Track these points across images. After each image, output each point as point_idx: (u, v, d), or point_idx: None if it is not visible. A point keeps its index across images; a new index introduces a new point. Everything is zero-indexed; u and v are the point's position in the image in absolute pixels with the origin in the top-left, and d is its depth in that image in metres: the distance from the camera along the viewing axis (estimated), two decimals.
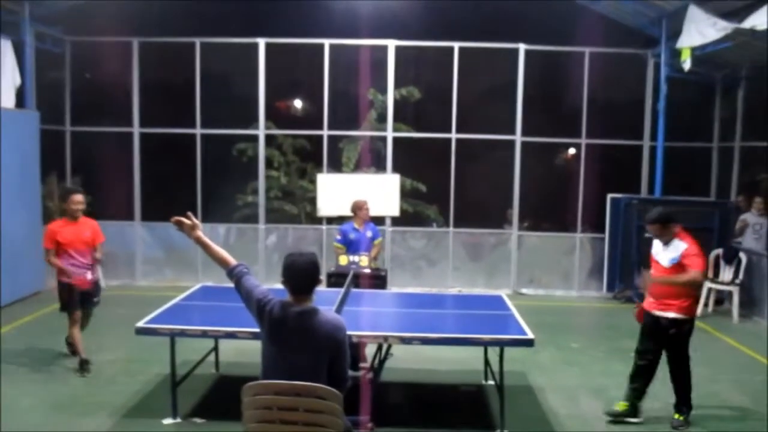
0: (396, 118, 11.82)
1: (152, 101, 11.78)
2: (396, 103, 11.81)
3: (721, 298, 10.31)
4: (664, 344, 5.76)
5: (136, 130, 11.61)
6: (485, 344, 6.05)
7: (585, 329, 9.54)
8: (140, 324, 5.51)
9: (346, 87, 12.44)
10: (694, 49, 9.53)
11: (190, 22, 11.49)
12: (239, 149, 12.68)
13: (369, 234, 8.60)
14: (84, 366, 6.77)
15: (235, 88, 12.76)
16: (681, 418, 5.76)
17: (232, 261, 3.97)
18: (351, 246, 8.44)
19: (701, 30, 9.11)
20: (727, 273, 10.04)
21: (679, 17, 9.77)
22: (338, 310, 4.69)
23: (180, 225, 4.02)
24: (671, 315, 5.62)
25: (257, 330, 3.84)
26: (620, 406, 5.88)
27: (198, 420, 5.68)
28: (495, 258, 11.81)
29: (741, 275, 9.81)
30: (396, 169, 11.57)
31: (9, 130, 9.60)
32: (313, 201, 12.16)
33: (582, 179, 11.64)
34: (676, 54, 10.04)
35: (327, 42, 11.28)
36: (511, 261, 11.69)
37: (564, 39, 11.42)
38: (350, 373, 3.84)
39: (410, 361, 6.94)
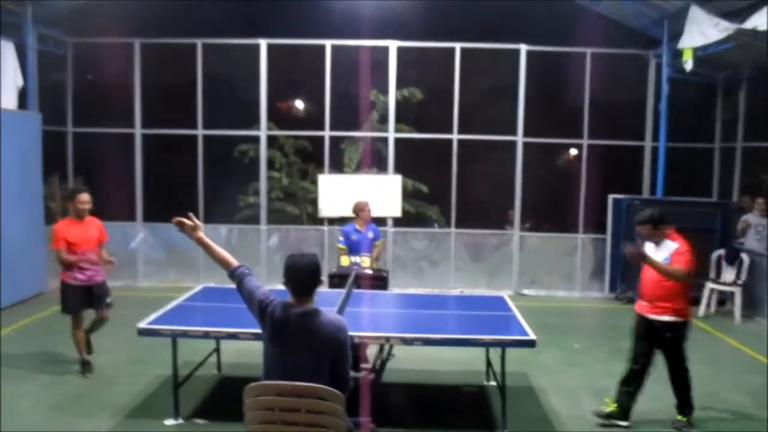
0: (397, 119, 11.83)
1: (154, 102, 11.80)
2: (397, 103, 11.82)
3: (723, 299, 10.30)
4: (658, 347, 5.72)
5: (138, 131, 11.63)
6: (487, 345, 6.04)
7: (587, 330, 9.53)
8: (142, 325, 5.52)
9: (348, 88, 12.44)
10: (695, 50, 9.52)
11: (191, 23, 11.51)
12: (241, 150, 12.70)
13: (370, 235, 8.60)
14: (86, 367, 6.77)
15: (236, 89, 12.78)
16: (684, 419, 5.75)
17: (234, 262, 3.97)
18: (353, 247, 8.45)
19: (703, 30, 9.10)
20: (729, 274, 10.03)
21: (680, 18, 9.77)
22: (340, 311, 4.69)
23: (181, 226, 4.02)
24: (666, 318, 5.58)
25: (259, 331, 3.84)
26: (609, 406, 5.84)
27: (200, 421, 5.68)
28: (497, 259, 11.81)
29: (743, 276, 9.80)
30: (398, 169, 11.57)
31: (11, 131, 9.62)
32: (314, 202, 12.16)
33: (583, 180, 11.64)
34: (677, 54, 10.03)
35: (328, 43, 11.29)
36: (512, 262, 11.68)
37: (565, 40, 11.42)
38: (352, 374, 3.84)
39: (412, 362, 6.93)
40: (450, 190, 11.59)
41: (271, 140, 12.42)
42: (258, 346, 3.88)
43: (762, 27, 7.74)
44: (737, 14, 8.69)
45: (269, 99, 11.63)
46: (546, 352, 7.67)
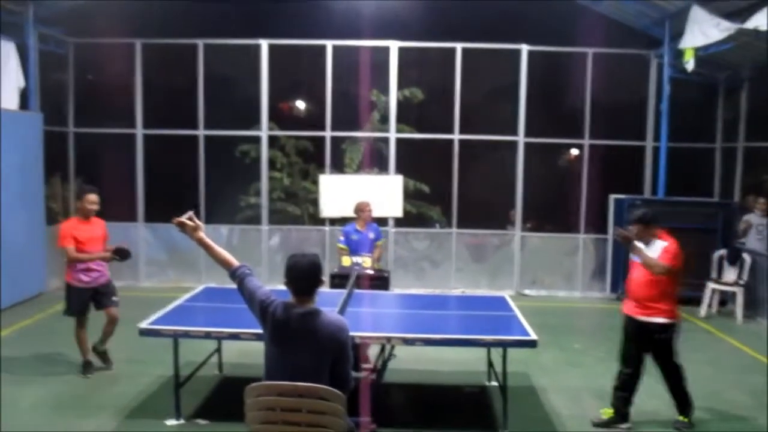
0: (399, 119, 11.84)
1: (155, 103, 11.80)
2: (398, 104, 11.82)
3: (725, 299, 10.30)
4: (648, 350, 5.70)
5: (139, 131, 11.63)
6: (488, 345, 6.04)
7: (588, 330, 9.52)
8: (143, 325, 5.52)
9: (349, 88, 12.44)
10: (697, 50, 9.52)
11: (192, 23, 11.51)
12: (242, 150, 12.70)
13: (371, 235, 8.61)
14: (87, 367, 6.77)
15: (237, 90, 12.78)
16: (686, 419, 5.74)
17: (235, 262, 3.98)
18: (353, 247, 8.46)
19: (704, 30, 9.10)
20: (730, 274, 10.02)
21: (682, 18, 9.76)
22: (341, 312, 4.69)
23: (182, 226, 4.02)
24: (656, 320, 5.56)
25: (260, 331, 3.84)
26: (606, 413, 5.83)
27: (201, 421, 5.68)
28: (498, 259, 11.81)
29: (745, 276, 9.80)
30: (399, 170, 11.57)
31: (12, 131, 9.62)
32: (315, 202, 12.16)
33: (585, 180, 11.63)
34: (679, 54, 10.03)
35: (329, 43, 11.29)
36: (514, 262, 11.68)
37: (567, 40, 11.42)
38: (353, 374, 3.84)
39: (413, 362, 6.93)
40: (451, 191, 11.59)
41: (273, 140, 12.42)
42: (259, 347, 3.89)
43: (763, 27, 7.74)
44: (738, 14, 8.69)
45: (270, 99, 11.63)
46: (547, 352, 7.66)
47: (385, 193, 11.09)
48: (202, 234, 4.02)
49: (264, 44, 11.35)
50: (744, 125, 11.42)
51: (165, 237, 11.46)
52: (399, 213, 11.42)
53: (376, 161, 12.66)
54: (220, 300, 6.67)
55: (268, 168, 11.95)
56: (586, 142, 11.66)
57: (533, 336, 5.41)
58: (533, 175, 11.72)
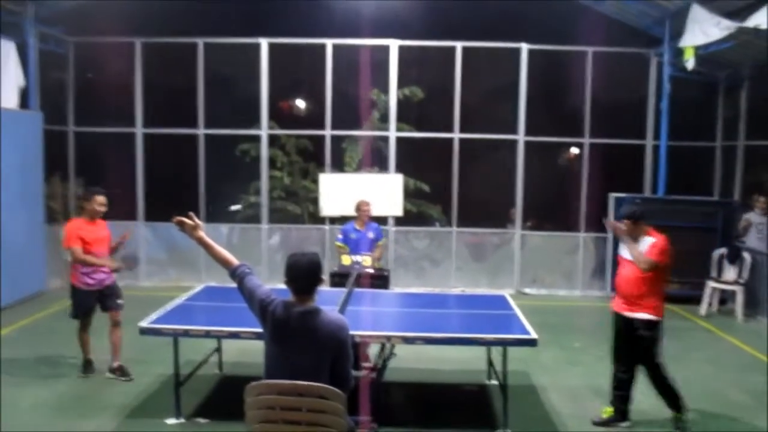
0: (399, 118, 11.83)
1: (155, 102, 11.80)
2: (399, 103, 11.82)
3: (725, 298, 10.30)
4: (632, 346, 5.71)
5: (139, 130, 11.63)
6: (488, 344, 6.03)
7: (588, 329, 9.51)
8: (144, 324, 5.52)
9: (349, 87, 12.43)
10: (697, 49, 9.52)
11: (192, 22, 11.51)
12: (242, 149, 12.70)
13: (371, 235, 8.61)
14: (87, 366, 6.77)
15: (237, 89, 12.78)
16: (680, 415, 5.73)
17: (235, 261, 3.97)
18: (352, 246, 8.47)
19: (704, 29, 9.10)
20: (730, 273, 10.02)
21: (682, 17, 9.76)
22: (341, 310, 4.69)
23: (182, 225, 4.01)
24: (644, 316, 5.57)
25: (260, 330, 3.84)
26: (606, 412, 5.84)
27: (201, 420, 5.69)
28: (498, 258, 11.81)
29: (745, 275, 9.80)
30: (399, 169, 11.57)
31: (12, 130, 9.62)
32: (315, 201, 12.15)
33: (585, 179, 11.63)
34: (679, 53, 10.03)
35: (329, 42, 11.29)
36: (514, 261, 11.68)
37: (567, 38, 11.42)
38: (353, 373, 3.84)
39: (413, 361, 6.92)
40: (451, 189, 11.59)
41: (273, 139, 12.42)
42: (259, 346, 3.89)
43: (763, 26, 7.74)
44: (738, 13, 8.69)
45: (270, 98, 11.63)
46: (547, 351, 7.66)
47: (385, 192, 11.08)
48: (201, 233, 4.01)
49: (264, 43, 11.34)
50: (744, 124, 11.41)
51: (165, 236, 11.46)
52: (399, 212, 11.41)
53: (376, 160, 12.65)
54: (220, 299, 6.67)
55: (268, 167, 11.95)
56: (587, 140, 11.66)
57: (533, 335, 5.41)
58: (533, 174, 11.72)
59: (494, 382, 6.56)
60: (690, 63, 9.67)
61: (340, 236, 8.74)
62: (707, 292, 10.02)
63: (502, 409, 5.59)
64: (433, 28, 11.62)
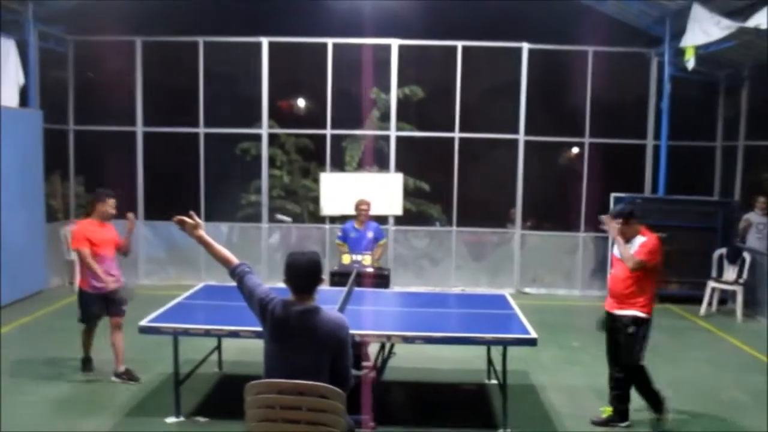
0: (399, 117, 11.83)
1: (155, 100, 11.80)
2: (399, 102, 11.83)
3: (725, 298, 10.30)
4: (616, 344, 5.71)
5: (140, 129, 11.63)
6: (488, 343, 6.03)
7: (587, 328, 9.41)
8: (143, 323, 5.52)
9: (349, 86, 12.43)
10: (697, 48, 9.51)
11: (193, 21, 11.51)
12: (242, 148, 12.70)
13: (370, 234, 8.60)
14: (87, 365, 6.76)
15: (238, 88, 12.77)
16: (660, 416, 5.71)
17: (234, 260, 3.97)
18: (351, 245, 8.48)
19: (705, 29, 9.09)
20: (730, 273, 10.02)
21: (682, 16, 9.75)
22: (341, 309, 4.69)
23: (182, 224, 4.01)
24: (629, 312, 5.58)
25: (260, 329, 3.84)
26: (605, 412, 5.83)
27: (201, 419, 5.69)
28: (498, 257, 11.81)
29: (745, 275, 9.79)
30: (399, 168, 11.57)
31: (12, 129, 9.62)
32: (316, 200, 12.17)
33: (585, 178, 11.63)
34: (679, 53, 10.02)
35: (330, 41, 11.28)
36: (513, 260, 11.68)
37: (567, 38, 11.41)
38: (353, 372, 3.84)
39: (413, 361, 6.93)
40: (451, 189, 11.59)
41: (273, 138, 12.42)
42: (259, 344, 3.89)
43: (764, 26, 7.72)
44: (739, 13, 8.68)
45: (271, 97, 11.63)
46: (546, 350, 7.66)
47: (385, 191, 11.10)
48: (201, 232, 4.00)
49: (264, 42, 11.34)
50: (744, 124, 11.40)
51: (165, 235, 11.45)
52: (399, 211, 11.42)
53: (376, 159, 12.65)
54: (219, 298, 6.67)
55: (268, 166, 11.95)
56: (587, 140, 11.66)
57: (533, 334, 5.42)
58: (533, 174, 11.72)
59: (494, 381, 6.56)
60: (690, 63, 9.66)
61: (339, 234, 8.76)
62: (707, 292, 10.02)
63: (501, 409, 5.59)
64: (434, 28, 11.62)
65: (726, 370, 7.43)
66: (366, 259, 8.09)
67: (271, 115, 11.77)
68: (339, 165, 12.52)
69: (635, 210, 5.76)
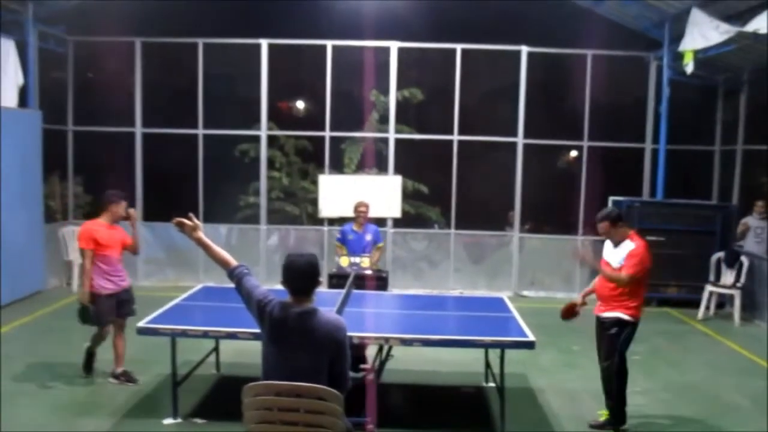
0: (398, 120, 11.83)
1: (155, 101, 11.80)
2: (398, 104, 11.83)
3: (723, 302, 10.30)
4: (600, 346, 5.70)
5: (139, 130, 11.63)
6: (486, 346, 6.04)
7: (586, 331, 9.43)
8: (141, 324, 5.52)
9: (349, 88, 12.45)
10: (696, 52, 9.52)
11: (192, 22, 11.51)
12: (241, 150, 12.70)
13: (368, 237, 8.59)
14: (89, 365, 6.71)
15: (237, 89, 12.80)
16: (605, 416, 5.71)
17: (233, 262, 3.97)
18: (349, 247, 8.47)
19: (704, 33, 9.10)
20: (728, 276, 10.03)
21: (681, 20, 9.77)
22: (339, 311, 4.69)
23: (181, 226, 4.01)
24: (615, 315, 5.57)
25: (258, 331, 3.84)
26: (604, 415, 5.82)
27: (198, 420, 5.68)
28: (496, 260, 11.80)
29: (743, 279, 9.80)
30: (398, 170, 11.57)
31: (11, 129, 9.61)
32: (314, 202, 12.17)
33: (584, 182, 11.63)
34: (678, 57, 10.03)
35: (329, 43, 11.29)
36: (512, 263, 11.68)
37: (566, 41, 11.42)
38: (351, 374, 3.83)
39: (411, 363, 6.93)
40: (450, 191, 11.59)
41: (272, 140, 12.42)
42: (257, 346, 3.89)
43: (763, 30, 7.74)
44: (738, 17, 8.70)
45: (270, 99, 11.62)
46: (545, 353, 7.66)
47: (383, 193, 11.10)
48: (200, 234, 4.01)
49: (264, 44, 11.34)
50: (743, 128, 11.41)
51: (164, 236, 11.43)
52: (397, 213, 11.43)
53: (375, 161, 12.66)
54: (218, 299, 6.67)
55: (267, 167, 11.95)
56: (585, 143, 11.66)
57: (531, 337, 5.41)
58: (532, 177, 11.71)
59: (492, 384, 6.56)
60: (689, 66, 9.67)
61: (338, 236, 8.77)
62: (705, 295, 10.02)
63: (499, 412, 5.58)
64: (433, 30, 11.63)
65: (725, 374, 7.43)
66: (364, 262, 8.09)
67: (270, 117, 11.77)
68: (338, 167, 12.52)
69: (621, 213, 5.76)
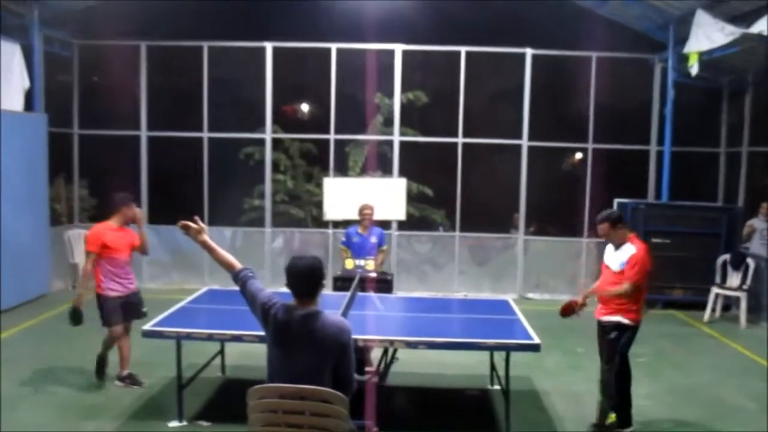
0: (402, 122, 11.83)
1: (160, 105, 11.83)
2: (403, 107, 11.84)
3: (729, 304, 10.28)
4: (601, 350, 5.68)
5: (144, 133, 11.66)
6: (491, 349, 6.03)
7: (591, 334, 9.42)
8: (147, 327, 5.53)
9: (353, 91, 12.47)
10: (701, 54, 9.51)
11: (197, 25, 11.55)
12: (246, 153, 12.74)
13: (373, 239, 8.58)
14: (101, 369, 6.70)
15: (242, 92, 12.80)
16: (613, 418, 5.69)
17: (238, 265, 3.98)
18: (354, 250, 8.46)
19: (709, 35, 9.09)
20: (734, 279, 9.99)
21: (686, 22, 9.76)
22: (344, 314, 4.69)
23: (186, 229, 4.02)
24: (613, 318, 5.56)
25: (263, 333, 3.85)
26: (609, 418, 5.78)
27: (203, 423, 5.68)
28: (501, 262, 11.79)
29: (748, 281, 9.76)
30: (402, 173, 11.57)
31: (17, 132, 9.65)
32: (319, 205, 12.17)
33: (589, 184, 11.62)
34: (683, 59, 10.03)
35: (334, 46, 11.31)
36: (517, 265, 11.67)
37: (571, 43, 11.42)
38: (356, 377, 3.83)
39: (416, 366, 6.93)
40: (455, 194, 11.59)
41: (276, 143, 12.45)
42: (262, 349, 3.89)
43: (767, 32, 7.73)
44: (743, 19, 8.68)
45: (274, 102, 11.65)
46: (550, 355, 7.65)
47: (388, 196, 11.10)
48: (205, 237, 4.02)
49: (268, 47, 11.36)
50: (748, 129, 11.38)
51: (169, 239, 11.44)
52: (402, 216, 11.42)
53: (379, 164, 12.67)
54: (223, 302, 6.68)
55: (271, 170, 11.97)
56: (590, 146, 11.66)
57: (536, 340, 5.40)
58: (537, 179, 11.72)
59: (497, 386, 6.54)
60: (694, 68, 9.66)
61: (343, 239, 8.76)
62: (711, 298, 9.99)
63: (504, 414, 5.57)
64: (438, 33, 11.64)
65: (730, 376, 7.40)
66: (369, 264, 8.08)
67: (274, 120, 11.80)
68: (342, 170, 12.54)
69: (621, 215, 5.74)
